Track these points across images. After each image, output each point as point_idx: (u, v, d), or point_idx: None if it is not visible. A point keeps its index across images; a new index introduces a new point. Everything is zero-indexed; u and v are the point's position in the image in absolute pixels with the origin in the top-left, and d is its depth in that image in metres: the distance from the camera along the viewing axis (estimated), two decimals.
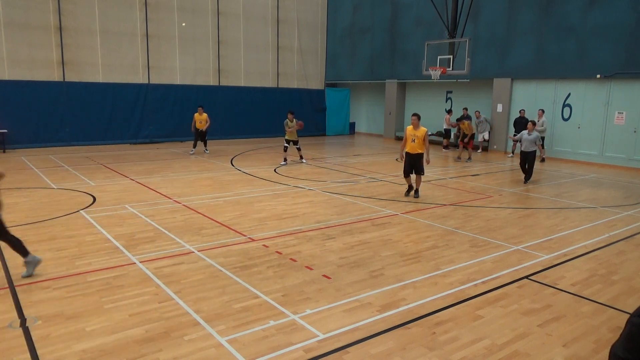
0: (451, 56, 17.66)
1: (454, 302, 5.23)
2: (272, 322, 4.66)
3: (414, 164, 10.37)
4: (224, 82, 22.17)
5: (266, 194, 10.63)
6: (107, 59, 19.02)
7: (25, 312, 4.78)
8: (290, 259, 6.47)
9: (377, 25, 25.17)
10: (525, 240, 7.66)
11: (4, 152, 16.71)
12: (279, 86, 24.00)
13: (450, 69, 17.53)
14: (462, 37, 17.75)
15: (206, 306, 4.98)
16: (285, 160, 15.08)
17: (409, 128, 10.39)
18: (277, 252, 6.73)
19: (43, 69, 17.73)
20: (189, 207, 9.21)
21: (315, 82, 25.40)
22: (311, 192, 10.94)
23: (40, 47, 17.57)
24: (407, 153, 10.47)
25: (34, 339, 4.29)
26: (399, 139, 24.29)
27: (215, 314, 4.81)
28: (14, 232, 7.42)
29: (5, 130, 16.86)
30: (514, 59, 19.01)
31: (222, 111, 22.00)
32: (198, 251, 6.69)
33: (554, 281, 5.95)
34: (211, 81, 21.84)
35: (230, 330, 4.49)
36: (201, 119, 17.00)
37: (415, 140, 10.27)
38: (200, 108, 17.11)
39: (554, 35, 17.62)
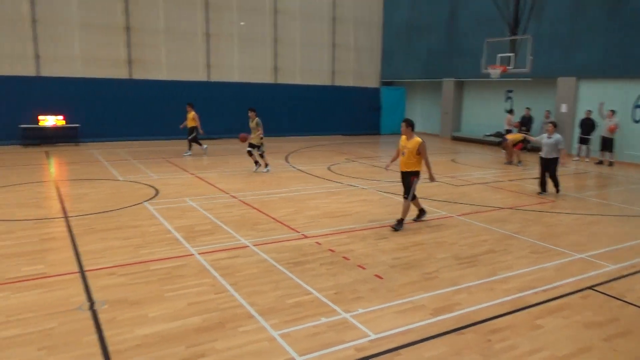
0: (512, 54, 17.03)
1: (511, 310, 5.07)
2: (323, 319, 4.70)
3: (403, 182, 8.12)
4: (281, 80, 22.51)
5: (320, 191, 10.71)
6: (170, 58, 19.82)
7: (94, 296, 5.09)
8: (343, 257, 6.49)
9: (434, 23, 24.67)
10: (590, 248, 7.28)
11: (77, 145, 17.81)
12: (334, 84, 24.07)
13: (511, 67, 16.90)
14: (524, 34, 17.04)
15: (260, 300, 5.10)
16: (257, 163, 13.13)
17: (402, 138, 8.08)
18: (329, 249, 6.78)
19: (113, 67, 18.74)
20: (244, 202, 9.44)
21: (371, 80, 25.25)
22: (365, 191, 10.92)
23: (110, 47, 18.57)
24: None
25: (100, 321, 4.56)
26: (456, 139, 23.73)
27: (269, 308, 4.91)
28: (85, 220, 7.93)
29: (78, 125, 17.96)
30: (579, 57, 18.03)
31: (278, 109, 22.36)
32: (253, 245, 6.86)
33: (622, 293, 5.62)
34: (268, 79, 22.23)
35: (283, 325, 4.57)
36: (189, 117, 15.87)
37: (406, 153, 7.92)
38: (189, 105, 16.09)
39: (624, 32, 16.56)
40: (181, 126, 16.14)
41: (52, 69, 17.73)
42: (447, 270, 6.13)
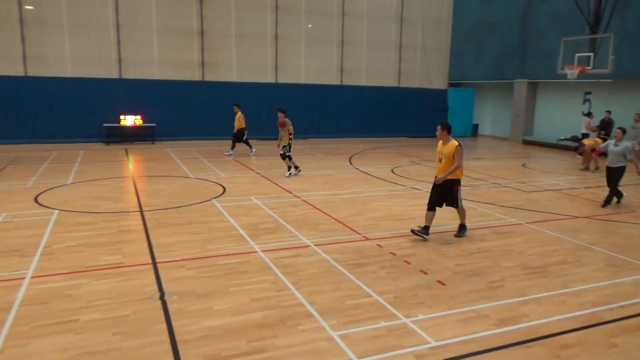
0: (592, 54, 16.03)
1: (583, 325, 4.78)
2: (383, 323, 4.68)
3: (441, 193, 7.44)
4: (346, 82, 22.59)
5: (383, 193, 10.64)
6: (241, 60, 20.49)
7: (164, 287, 5.38)
8: (405, 261, 6.42)
9: (507, 21, 23.71)
10: None
11: (153, 143, 18.88)
12: (400, 85, 23.79)
13: (590, 67, 15.90)
14: (605, 32, 15.96)
15: (320, 299, 5.16)
16: (293, 168, 12.74)
17: (439, 143, 7.54)
18: (391, 253, 6.73)
19: (187, 69, 19.67)
20: (307, 202, 9.58)
21: (438, 81, 24.71)
22: (428, 194, 10.69)
23: (185, 50, 19.51)
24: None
25: (170, 311, 4.81)
26: (527, 143, 22.69)
27: (329, 308, 4.96)
28: (158, 215, 8.38)
29: (155, 124, 19.03)
30: None
31: (343, 110, 22.48)
32: (314, 245, 6.94)
33: None
34: (334, 80, 22.38)
35: (342, 326, 4.60)
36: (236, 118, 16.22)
37: (443, 160, 7.32)
38: (236, 106, 16.45)
39: None
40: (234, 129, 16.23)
41: (133, 72, 18.91)
42: (513, 280, 5.89)
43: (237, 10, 20.09)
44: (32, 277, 5.58)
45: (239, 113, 16.13)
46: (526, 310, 5.07)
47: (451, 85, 25.60)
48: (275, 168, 13.65)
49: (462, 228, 7.71)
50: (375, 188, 11.25)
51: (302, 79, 21.75)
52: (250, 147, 16.57)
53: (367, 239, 7.36)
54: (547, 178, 13.45)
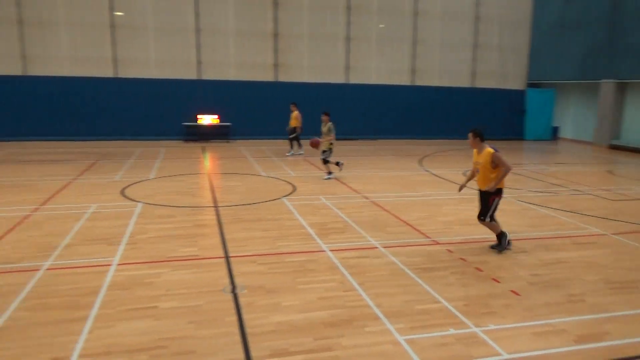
0: None
1: None
2: (452, 330, 4.57)
3: (481, 204, 6.91)
4: (418, 82, 22.21)
5: (454, 197, 10.36)
6: (312, 61, 20.79)
7: (236, 281, 5.59)
8: (476, 267, 6.22)
9: (592, 18, 22.15)
10: None
11: (228, 142, 19.65)
12: (475, 86, 23.01)
13: None
14: None
15: (387, 302, 5.13)
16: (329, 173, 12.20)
17: (474, 152, 7.02)
18: (461, 258, 6.54)
19: (261, 70, 20.28)
20: (376, 204, 9.54)
21: (515, 81, 23.63)
22: (503, 200, 10.25)
23: (260, 52, 20.13)
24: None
25: (240, 305, 5.00)
26: (614, 147, 21.11)
27: (395, 311, 4.92)
28: (231, 210, 8.71)
29: (230, 124, 19.80)
30: None
31: (414, 110, 22.14)
32: (382, 247, 6.91)
33: None
34: (405, 81, 22.09)
35: (409, 331, 4.55)
36: (292, 117, 16.35)
37: (480, 169, 6.78)
38: (293, 105, 16.55)
39: None
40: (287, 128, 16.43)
41: (211, 73, 19.79)
42: (595, 295, 5.52)
43: (310, 12, 20.40)
44: (118, 264, 6.02)
45: (296, 112, 16.33)
46: (609, 327, 4.74)
47: (530, 85, 24.37)
48: (344, 168, 13.69)
49: (501, 238, 6.86)
50: (447, 191, 10.97)
51: (373, 79, 21.67)
52: (292, 148, 16.52)
53: (437, 243, 7.21)
54: (636, 186, 12.44)
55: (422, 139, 22.09)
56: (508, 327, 4.67)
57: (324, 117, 12.23)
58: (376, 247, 6.92)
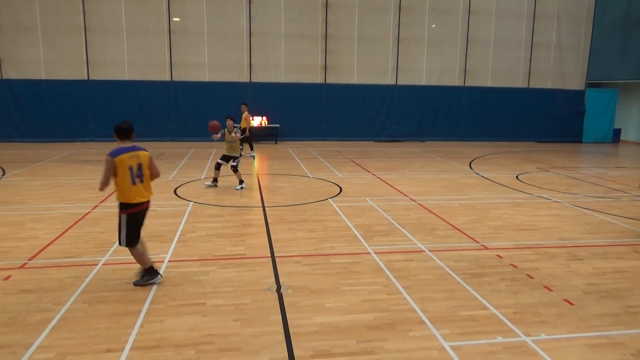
0: None
1: None
2: (500, 339, 4.43)
3: None
4: (469, 83, 21.67)
5: (505, 201, 10.04)
6: (361, 62, 20.74)
7: (281, 280, 5.67)
8: (527, 274, 5.99)
9: None
10: None
11: (276, 143, 19.95)
12: (530, 86, 22.18)
13: None
14: None
15: (432, 307, 5.04)
16: (215, 181, 10.97)
17: None
18: (512, 264, 6.32)
19: (310, 73, 20.46)
20: (423, 206, 9.39)
21: (574, 81, 22.57)
22: (557, 204, 9.85)
23: (309, 54, 20.30)
24: None
25: (285, 304, 5.06)
26: None
27: (441, 317, 4.83)
28: (278, 211, 8.83)
29: (278, 125, 20.09)
30: None
31: (465, 112, 21.64)
32: (429, 251, 6.79)
33: None
34: (456, 82, 21.61)
35: (455, 337, 4.45)
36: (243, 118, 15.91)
37: None
38: (243, 105, 16.24)
39: None
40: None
41: (261, 76, 20.17)
42: None
43: (361, 13, 20.37)
44: (169, 260, 6.25)
45: (245, 113, 15.95)
46: None
47: (589, 85, 23.21)
48: (392, 170, 13.59)
49: None
50: (497, 195, 10.64)
51: (423, 80, 21.34)
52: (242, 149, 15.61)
53: (486, 248, 7.01)
54: None
55: (472, 141, 21.55)
56: (560, 338, 4.48)
57: (229, 122, 11.10)
58: (422, 251, 6.81)
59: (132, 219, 5.31)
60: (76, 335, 4.34)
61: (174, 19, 19.30)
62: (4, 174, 12.30)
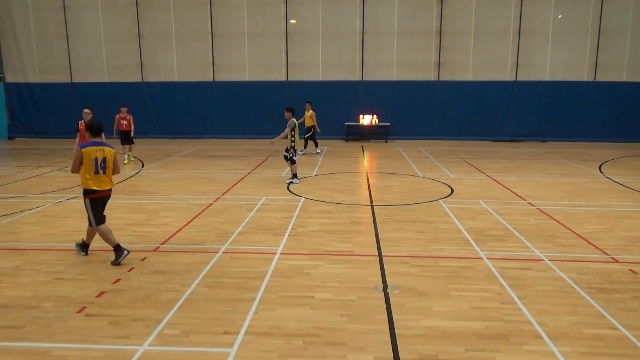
0: None
1: None
2: None
3: None
4: (601, 77, 19.62)
5: None
6: (477, 58, 19.82)
7: (388, 280, 5.66)
8: None
9: None
10: None
11: (386, 141, 19.89)
12: None
13: None
14: None
15: (551, 321, 4.68)
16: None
17: None
18: None
19: (422, 69, 20.06)
20: (543, 212, 8.74)
21: None
22: None
23: (421, 51, 19.92)
24: None
25: (391, 304, 5.04)
26: None
27: (561, 333, 4.47)
28: (386, 210, 8.81)
29: (389, 124, 20.00)
30: None
31: (594, 110, 19.71)
32: (549, 260, 6.31)
33: None
34: (585, 76, 19.70)
35: (577, 356, 4.09)
36: (306, 116, 15.90)
37: None
38: (307, 104, 15.96)
39: None
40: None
41: (373, 74, 20.23)
42: None
43: (478, 7, 19.46)
44: (281, 253, 6.56)
45: (310, 111, 16.00)
46: None
47: None
48: (508, 172, 12.82)
49: None
50: (632, 202, 9.52)
51: (546, 75, 19.78)
52: (305, 147, 16.43)
53: (617, 261, 6.32)
54: None
55: (602, 141, 19.51)
56: None
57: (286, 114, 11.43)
58: (541, 260, 6.35)
59: (94, 203, 6.12)
60: (199, 316, 4.76)
61: (291, 21, 20.11)
62: (142, 166, 13.84)
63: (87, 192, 6.11)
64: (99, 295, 5.21)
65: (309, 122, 16.09)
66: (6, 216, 8.43)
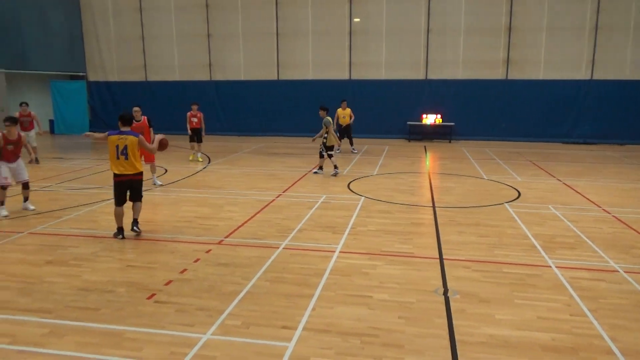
0: None
1: None
2: None
3: None
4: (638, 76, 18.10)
5: None
6: (550, 56, 18.86)
7: (448, 284, 5.54)
8: None
9: None
10: None
11: (450, 142, 19.40)
12: None
13: None
14: None
15: (625, 337, 4.40)
16: (335, 167, 12.25)
17: None
18: None
19: (489, 68, 19.36)
20: (619, 219, 8.19)
21: None
22: None
23: (489, 49, 19.20)
24: None
25: (451, 309, 4.94)
26: None
27: (636, 351, 4.18)
28: (448, 212, 8.60)
29: (453, 124, 19.49)
30: None
31: (636, 108, 18.22)
32: (624, 272, 5.91)
33: None
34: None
35: None
36: (344, 114, 15.69)
37: None
38: (343, 102, 15.75)
39: None
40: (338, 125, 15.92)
41: (439, 73, 19.78)
42: None
43: (552, 2, 18.47)
44: (340, 251, 6.60)
45: (348, 109, 16.05)
46: None
47: None
48: (581, 176, 12.12)
49: None
50: None
51: (627, 73, 18.45)
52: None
53: None
54: None
55: None
56: None
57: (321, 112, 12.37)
58: (616, 271, 5.96)
59: (116, 185, 6.89)
60: (259, 309, 4.89)
61: (355, 19, 20.08)
62: (209, 162, 14.38)
63: (113, 176, 6.90)
64: (167, 284, 5.50)
65: (343, 121, 16.02)
66: (86, 205, 9.07)
